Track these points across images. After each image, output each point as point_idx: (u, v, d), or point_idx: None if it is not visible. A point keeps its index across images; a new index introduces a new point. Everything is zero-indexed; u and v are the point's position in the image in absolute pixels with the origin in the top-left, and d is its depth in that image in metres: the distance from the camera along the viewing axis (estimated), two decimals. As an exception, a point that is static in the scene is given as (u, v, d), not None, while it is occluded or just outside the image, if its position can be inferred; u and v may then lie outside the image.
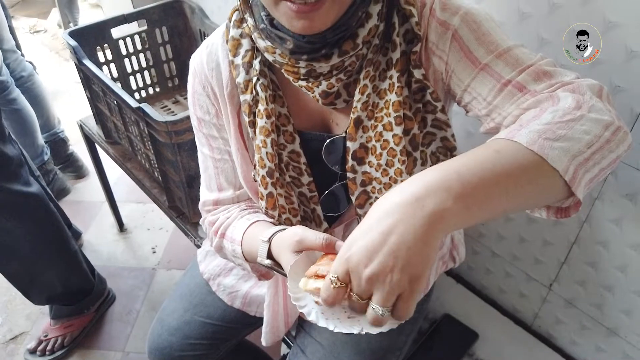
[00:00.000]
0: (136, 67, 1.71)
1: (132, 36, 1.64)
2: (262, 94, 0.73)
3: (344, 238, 0.86)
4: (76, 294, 1.62)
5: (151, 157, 1.39)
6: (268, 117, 0.74)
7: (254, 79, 0.73)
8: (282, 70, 0.72)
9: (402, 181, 0.70)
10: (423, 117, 0.73)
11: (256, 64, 0.74)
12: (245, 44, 0.74)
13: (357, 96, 0.71)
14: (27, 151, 1.63)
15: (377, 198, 0.76)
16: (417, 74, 0.69)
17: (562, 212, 0.58)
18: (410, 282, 0.46)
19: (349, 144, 0.73)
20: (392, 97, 0.70)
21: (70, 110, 2.64)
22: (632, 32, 0.77)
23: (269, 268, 0.73)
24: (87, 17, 3.65)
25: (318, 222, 0.82)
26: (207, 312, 1.06)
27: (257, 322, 1.05)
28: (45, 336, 1.60)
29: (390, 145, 0.71)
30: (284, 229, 0.73)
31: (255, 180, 0.79)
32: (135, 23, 1.66)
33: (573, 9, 0.82)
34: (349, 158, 0.74)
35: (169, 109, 1.76)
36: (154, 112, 1.21)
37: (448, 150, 0.75)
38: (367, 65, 0.70)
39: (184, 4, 1.67)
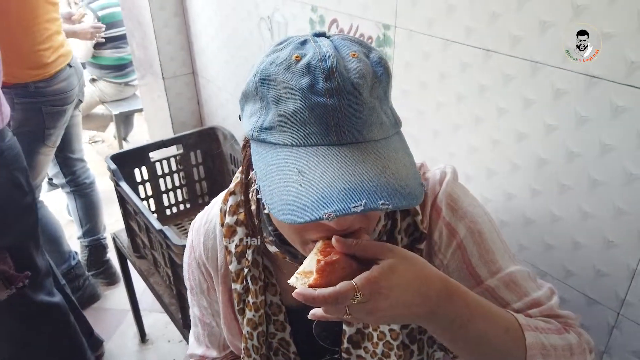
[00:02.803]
0: (170, 186, 1.84)
1: (168, 159, 1.79)
2: (252, 287, 0.73)
3: None
4: (88, 408, 1.61)
5: (170, 275, 1.44)
6: (257, 310, 0.74)
7: (246, 270, 0.73)
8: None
9: None
10: None
11: (249, 254, 0.73)
12: (240, 232, 0.73)
13: None
14: (51, 257, 1.73)
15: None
16: None
17: None
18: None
19: (345, 327, 0.73)
20: None
21: (108, 217, 2.82)
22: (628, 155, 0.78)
23: None
24: (140, 130, 3.99)
25: None
26: None
27: None
28: None
29: (386, 338, 0.72)
30: None
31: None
32: (173, 147, 1.82)
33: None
34: (344, 340, 0.74)
35: (197, 225, 1.86)
36: (174, 236, 1.28)
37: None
38: None
39: (217, 130, 1.83)
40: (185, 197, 1.91)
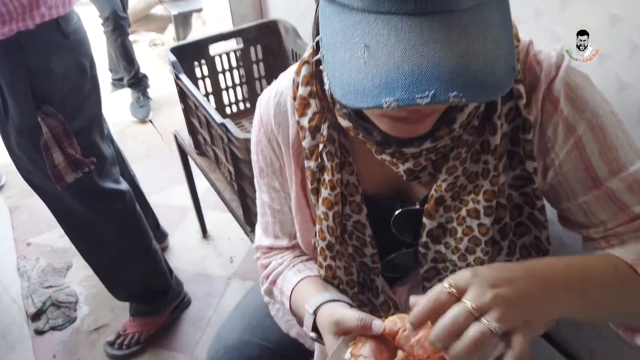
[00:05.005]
0: (229, 83, 1.78)
1: (227, 53, 1.71)
2: (328, 164, 0.68)
3: (406, 301, 0.82)
4: (154, 293, 1.70)
5: (231, 170, 1.42)
6: (332, 188, 0.68)
7: (321, 146, 0.67)
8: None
9: None
10: (518, 205, 0.66)
11: (324, 128, 0.67)
12: (314, 105, 0.67)
13: (443, 175, 0.64)
14: None
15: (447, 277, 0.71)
16: (529, 166, 0.62)
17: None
18: (524, 324, 0.48)
19: (425, 220, 0.67)
20: (485, 184, 0.63)
21: (171, 118, 2.85)
22: None
23: (315, 340, 0.72)
24: (197, 33, 3.91)
25: (375, 294, 0.78)
26: (264, 334, 1.04)
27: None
28: (124, 331, 1.69)
29: (473, 233, 0.65)
30: (330, 300, 0.70)
31: (315, 248, 0.76)
32: (233, 41, 1.73)
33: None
34: (423, 234, 0.68)
35: (257, 125, 1.81)
36: (235, 129, 1.24)
37: (540, 251, 0.68)
38: (460, 146, 0.62)
39: (279, 23, 1.71)
40: (245, 95, 1.85)
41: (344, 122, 0.63)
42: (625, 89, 0.81)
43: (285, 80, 0.72)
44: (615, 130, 0.61)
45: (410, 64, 0.42)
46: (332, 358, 0.61)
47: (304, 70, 0.67)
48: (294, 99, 0.68)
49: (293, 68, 0.70)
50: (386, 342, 0.59)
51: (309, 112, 0.67)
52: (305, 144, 0.68)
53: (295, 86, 0.68)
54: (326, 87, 0.49)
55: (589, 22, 0.82)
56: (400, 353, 0.57)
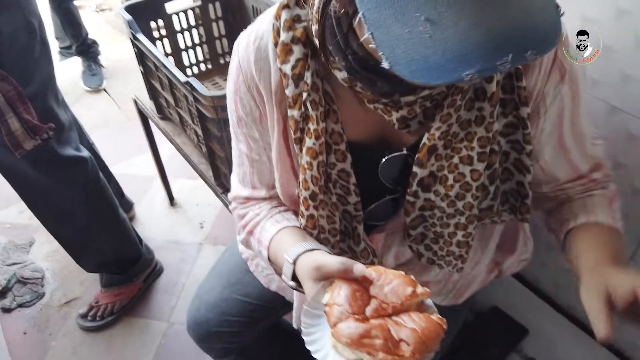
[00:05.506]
0: (189, 43, 1.71)
1: (185, 11, 1.64)
2: (312, 112, 0.65)
3: (383, 247, 0.84)
4: (125, 262, 1.67)
5: (198, 132, 1.39)
6: (317, 137, 0.67)
7: (304, 95, 0.65)
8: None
9: (469, 215, 0.71)
10: (505, 152, 0.69)
11: (308, 76, 0.64)
12: (297, 51, 0.64)
13: (436, 124, 0.64)
14: None
15: (434, 224, 0.73)
16: (524, 112, 0.64)
17: None
18: None
19: (416, 169, 0.68)
20: (480, 131, 0.64)
21: (126, 85, 2.74)
22: None
23: (294, 289, 0.72)
24: (148, -4, 3.72)
25: (357, 241, 0.78)
26: (244, 290, 1.05)
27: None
28: (97, 302, 1.66)
29: (465, 179, 0.67)
30: (309, 250, 0.70)
31: (298, 198, 0.75)
32: (189, -2, 1.66)
33: None
34: (413, 183, 0.69)
35: (220, 86, 1.77)
36: (202, 87, 1.20)
37: (520, 197, 0.72)
38: (455, 93, 0.62)
39: (237, -22, 1.66)
40: (206, 56, 1.79)
41: (341, 74, 0.61)
42: (612, 53, 0.82)
43: (265, 23, 0.68)
44: (584, 97, 0.67)
45: (482, 31, 0.40)
46: (311, 302, 0.62)
47: (285, 15, 0.63)
48: (275, 45, 0.66)
49: (271, 11, 0.67)
50: (360, 291, 0.60)
51: (292, 59, 0.64)
52: (289, 92, 0.66)
53: (276, 32, 0.65)
54: (385, 65, 0.44)
55: (593, 14, 0.82)
56: (374, 301, 0.59)
